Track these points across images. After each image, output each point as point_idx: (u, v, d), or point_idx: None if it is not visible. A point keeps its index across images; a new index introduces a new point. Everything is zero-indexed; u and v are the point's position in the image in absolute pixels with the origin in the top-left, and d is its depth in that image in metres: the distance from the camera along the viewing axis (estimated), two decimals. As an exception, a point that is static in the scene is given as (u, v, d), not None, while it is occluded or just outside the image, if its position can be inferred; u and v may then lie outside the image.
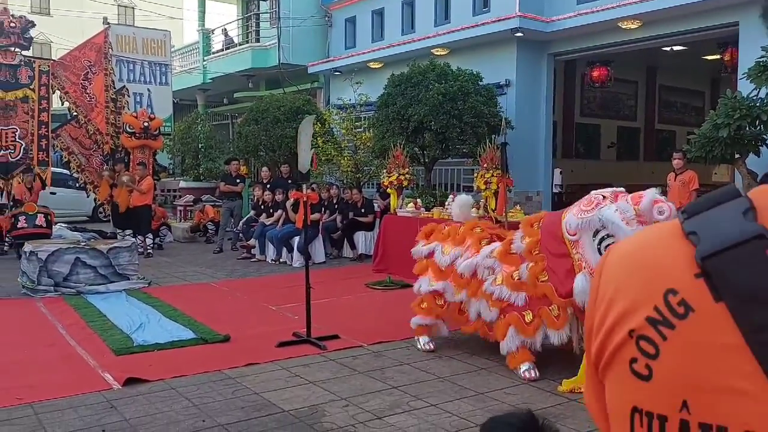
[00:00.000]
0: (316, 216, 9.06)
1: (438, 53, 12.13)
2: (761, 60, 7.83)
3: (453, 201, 8.22)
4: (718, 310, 0.56)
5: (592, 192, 4.41)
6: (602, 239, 4.10)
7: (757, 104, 7.81)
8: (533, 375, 4.51)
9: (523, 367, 4.55)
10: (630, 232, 3.97)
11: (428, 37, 12.36)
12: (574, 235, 4.24)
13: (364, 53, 14.01)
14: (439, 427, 3.72)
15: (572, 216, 4.29)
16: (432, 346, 5.27)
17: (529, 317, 4.51)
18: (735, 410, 0.55)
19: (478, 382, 4.50)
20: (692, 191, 8.43)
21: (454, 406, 4.03)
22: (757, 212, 0.58)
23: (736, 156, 8.45)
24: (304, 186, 5.73)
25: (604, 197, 4.24)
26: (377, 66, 13.65)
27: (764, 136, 8.21)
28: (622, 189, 4.40)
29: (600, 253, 4.12)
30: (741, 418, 0.55)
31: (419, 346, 5.28)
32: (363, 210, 10.46)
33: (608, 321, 0.65)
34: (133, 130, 11.88)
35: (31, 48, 11.97)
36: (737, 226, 0.58)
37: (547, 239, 4.48)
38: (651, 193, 4.08)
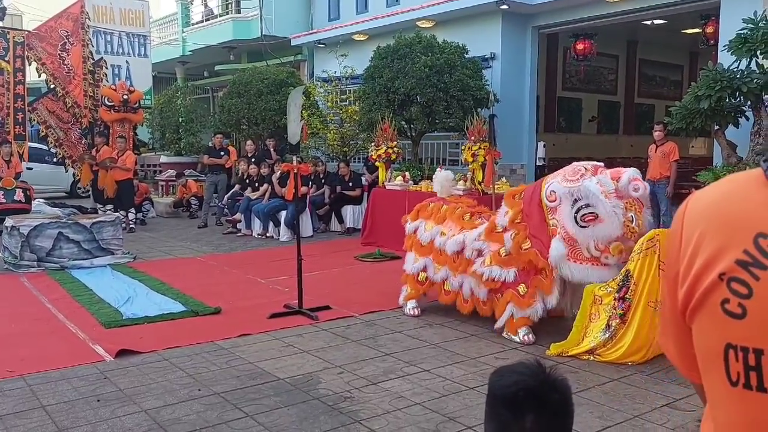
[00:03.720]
0: (303, 189, 9.03)
1: (423, 25, 12.04)
2: (742, 32, 7.92)
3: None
4: None
5: (575, 163, 4.58)
6: (579, 209, 4.30)
7: (738, 76, 7.92)
8: (530, 339, 4.64)
9: (522, 331, 4.67)
10: (607, 205, 4.19)
11: (413, 9, 12.24)
12: (554, 201, 4.45)
13: (348, 25, 13.84)
14: (433, 390, 3.79)
15: (557, 183, 4.46)
16: (418, 312, 5.44)
17: (523, 289, 4.64)
18: None
19: (469, 348, 4.58)
20: (672, 162, 8.57)
21: (447, 371, 4.11)
22: None
23: (716, 127, 8.59)
24: (294, 158, 5.70)
25: (586, 169, 4.44)
26: (362, 38, 13.51)
27: (743, 108, 8.35)
28: (601, 164, 4.59)
29: (576, 222, 4.31)
30: None
31: (406, 311, 5.45)
32: (351, 184, 10.44)
33: (696, 266, 0.69)
34: (112, 103, 11.67)
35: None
36: None
37: (528, 207, 4.65)
38: (630, 172, 4.33)
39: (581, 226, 4.30)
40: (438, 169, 8.98)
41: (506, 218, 4.75)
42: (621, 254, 4.33)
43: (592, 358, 4.27)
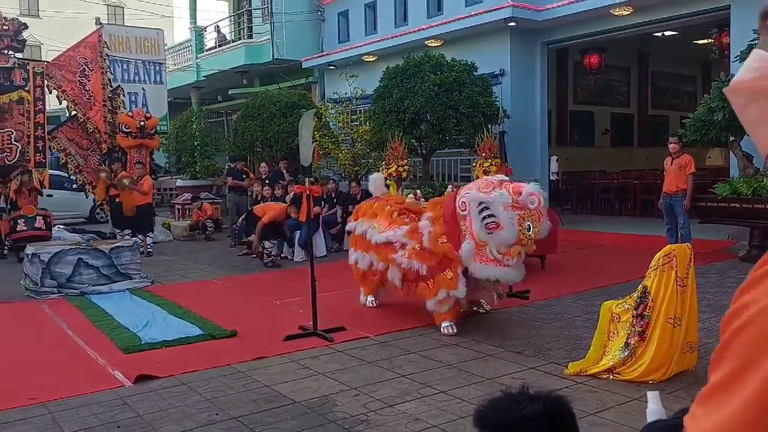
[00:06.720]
0: (316, 209, 9.09)
1: (432, 45, 12.15)
2: (753, 43, 7.89)
3: (451, 190, 8.31)
4: None
5: (486, 177, 5.39)
6: (485, 217, 4.98)
7: (751, 87, 7.87)
8: (452, 331, 5.32)
9: (444, 324, 5.36)
10: (505, 216, 4.92)
11: (422, 29, 12.37)
12: (464, 211, 5.10)
13: (358, 47, 14.01)
14: (449, 412, 3.78)
15: (469, 195, 5.11)
16: (375, 304, 6.33)
17: (449, 274, 5.29)
18: None
19: (485, 368, 4.56)
20: (689, 174, 8.47)
21: (463, 392, 4.09)
22: None
23: (731, 139, 8.52)
24: (306, 179, 5.76)
25: (495, 183, 5.11)
26: (371, 59, 13.65)
27: (758, 119, 8.28)
28: (506, 178, 5.38)
29: (485, 227, 5.01)
30: None
31: (366, 304, 6.35)
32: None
33: None
34: (129, 130, 11.87)
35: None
36: None
37: (447, 213, 5.34)
38: (529, 187, 5.00)
39: (487, 233, 4.95)
40: (449, 185, 9.01)
41: (428, 221, 5.42)
42: (520, 256, 5.04)
43: (611, 377, 4.22)
